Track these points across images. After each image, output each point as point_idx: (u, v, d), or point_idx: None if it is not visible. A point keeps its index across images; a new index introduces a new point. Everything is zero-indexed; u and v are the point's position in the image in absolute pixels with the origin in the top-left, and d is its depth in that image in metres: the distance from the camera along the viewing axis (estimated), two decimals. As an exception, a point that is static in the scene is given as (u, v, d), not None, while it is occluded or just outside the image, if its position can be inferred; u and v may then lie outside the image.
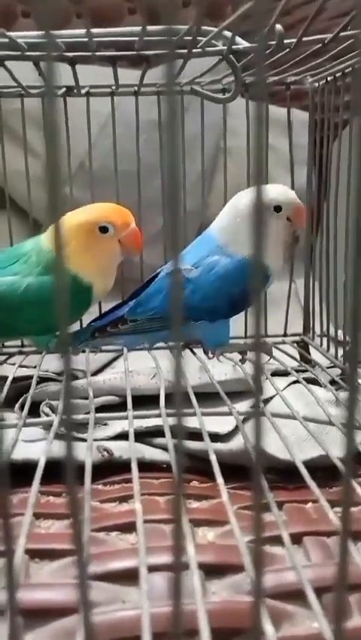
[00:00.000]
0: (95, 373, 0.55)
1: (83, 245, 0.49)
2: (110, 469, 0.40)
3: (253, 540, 0.17)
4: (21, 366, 0.53)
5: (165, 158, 0.15)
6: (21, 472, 0.34)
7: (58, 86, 0.53)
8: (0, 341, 0.57)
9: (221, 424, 0.44)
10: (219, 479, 0.32)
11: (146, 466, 0.39)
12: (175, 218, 0.16)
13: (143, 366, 0.53)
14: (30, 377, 0.49)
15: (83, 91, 0.56)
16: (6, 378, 0.47)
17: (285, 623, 0.28)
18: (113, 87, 0.56)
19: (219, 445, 0.41)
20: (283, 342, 0.62)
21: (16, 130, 0.62)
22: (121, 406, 0.46)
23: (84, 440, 0.41)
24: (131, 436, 0.37)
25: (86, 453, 0.33)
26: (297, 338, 0.63)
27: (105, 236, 0.49)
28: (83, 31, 0.39)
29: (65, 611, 0.26)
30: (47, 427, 0.41)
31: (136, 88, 0.57)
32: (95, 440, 0.42)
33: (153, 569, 0.27)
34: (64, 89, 0.55)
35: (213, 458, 0.33)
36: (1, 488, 0.17)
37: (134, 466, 0.32)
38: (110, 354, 0.60)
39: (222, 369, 0.52)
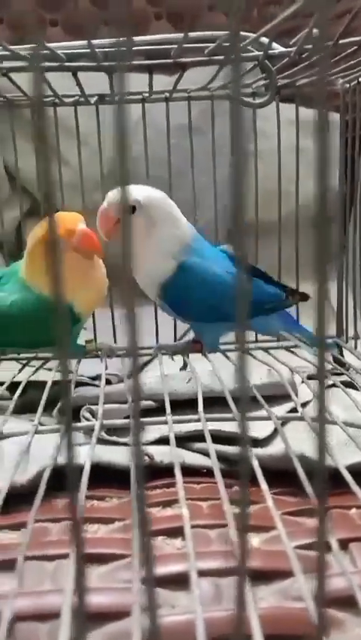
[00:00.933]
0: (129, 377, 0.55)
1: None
2: (150, 473, 0.40)
3: (314, 546, 0.17)
4: (57, 371, 0.54)
5: (232, 166, 0.15)
6: (65, 477, 0.34)
7: (92, 94, 0.53)
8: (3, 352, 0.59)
9: (258, 429, 0.44)
10: (263, 485, 0.32)
11: (186, 471, 0.39)
12: (240, 225, 0.16)
13: (176, 370, 0.53)
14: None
15: (115, 98, 0.56)
16: (44, 383, 0.48)
17: (334, 629, 0.28)
18: (145, 94, 0.56)
19: (259, 450, 0.41)
20: (317, 345, 0.61)
21: (48, 139, 0.63)
22: (158, 411, 0.46)
23: (127, 445, 0.41)
24: (172, 440, 0.37)
25: (129, 457, 0.33)
26: (330, 341, 0.63)
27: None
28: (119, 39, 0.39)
29: (118, 615, 0.26)
30: (88, 431, 0.41)
31: (167, 94, 0.57)
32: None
33: (200, 574, 0.27)
34: (96, 97, 0.56)
35: (255, 463, 0.33)
36: (70, 493, 0.17)
37: (177, 471, 0.33)
38: (142, 358, 0.60)
39: (257, 373, 0.52)
